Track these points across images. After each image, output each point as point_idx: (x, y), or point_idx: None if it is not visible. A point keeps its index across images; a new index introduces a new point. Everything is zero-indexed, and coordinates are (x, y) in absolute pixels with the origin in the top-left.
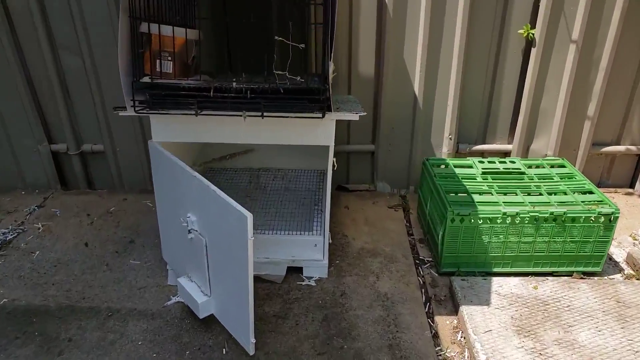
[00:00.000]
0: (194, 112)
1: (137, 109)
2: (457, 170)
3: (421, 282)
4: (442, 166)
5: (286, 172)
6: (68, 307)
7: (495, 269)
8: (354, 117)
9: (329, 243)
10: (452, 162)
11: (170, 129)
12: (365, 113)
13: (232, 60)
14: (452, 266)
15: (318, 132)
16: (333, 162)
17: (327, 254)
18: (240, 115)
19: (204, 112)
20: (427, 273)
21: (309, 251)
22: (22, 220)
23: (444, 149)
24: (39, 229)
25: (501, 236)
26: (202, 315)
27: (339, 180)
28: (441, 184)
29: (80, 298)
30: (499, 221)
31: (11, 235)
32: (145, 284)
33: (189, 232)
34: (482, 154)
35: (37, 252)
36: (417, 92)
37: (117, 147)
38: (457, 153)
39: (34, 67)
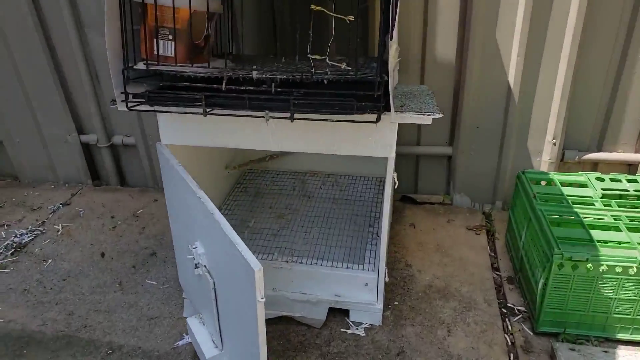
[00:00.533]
0: (200, 111)
1: (130, 104)
2: (566, 190)
3: (509, 343)
4: (544, 182)
5: (337, 178)
6: (65, 338)
7: (621, 336)
8: (423, 119)
9: (385, 281)
10: (558, 177)
11: (180, 130)
12: (441, 114)
13: (276, 41)
14: (555, 325)
15: (372, 139)
16: (393, 178)
17: (382, 296)
18: (263, 117)
19: (214, 112)
20: (517, 329)
21: (358, 290)
22: (44, 219)
23: (545, 157)
24: (58, 231)
25: (633, 292)
26: None
27: (405, 189)
28: (544, 209)
29: (81, 326)
30: (632, 272)
31: (28, 237)
32: (157, 312)
33: (196, 266)
34: (595, 165)
35: (50, 261)
36: (512, 82)
37: (150, 140)
38: (562, 162)
39: (61, 49)
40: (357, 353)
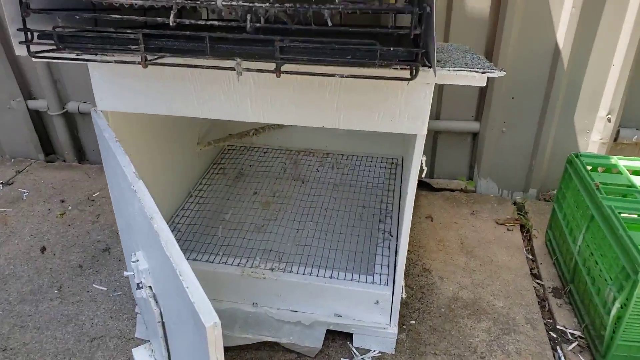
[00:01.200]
0: (138, 59)
1: (33, 48)
2: (637, 180)
3: None
4: (602, 169)
5: (339, 158)
6: None
7: None
8: (477, 80)
9: (402, 297)
10: (623, 162)
11: (121, 91)
12: (503, 72)
13: None
14: None
15: (396, 107)
16: (421, 164)
17: (396, 316)
18: (233, 69)
19: (157, 60)
20: None
21: (366, 309)
22: None
23: (594, 136)
24: None
25: None
26: None
27: None
28: (614, 206)
29: (0, 348)
30: None
31: None
32: (102, 331)
33: (138, 286)
34: None
35: None
36: (560, 42)
37: None
38: (615, 142)
39: None
40: None
